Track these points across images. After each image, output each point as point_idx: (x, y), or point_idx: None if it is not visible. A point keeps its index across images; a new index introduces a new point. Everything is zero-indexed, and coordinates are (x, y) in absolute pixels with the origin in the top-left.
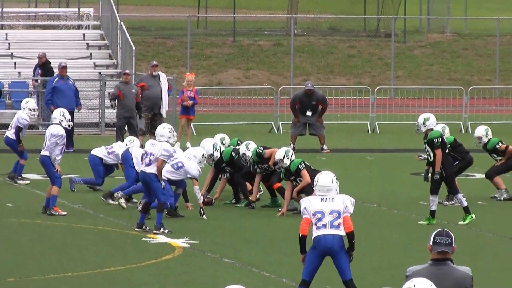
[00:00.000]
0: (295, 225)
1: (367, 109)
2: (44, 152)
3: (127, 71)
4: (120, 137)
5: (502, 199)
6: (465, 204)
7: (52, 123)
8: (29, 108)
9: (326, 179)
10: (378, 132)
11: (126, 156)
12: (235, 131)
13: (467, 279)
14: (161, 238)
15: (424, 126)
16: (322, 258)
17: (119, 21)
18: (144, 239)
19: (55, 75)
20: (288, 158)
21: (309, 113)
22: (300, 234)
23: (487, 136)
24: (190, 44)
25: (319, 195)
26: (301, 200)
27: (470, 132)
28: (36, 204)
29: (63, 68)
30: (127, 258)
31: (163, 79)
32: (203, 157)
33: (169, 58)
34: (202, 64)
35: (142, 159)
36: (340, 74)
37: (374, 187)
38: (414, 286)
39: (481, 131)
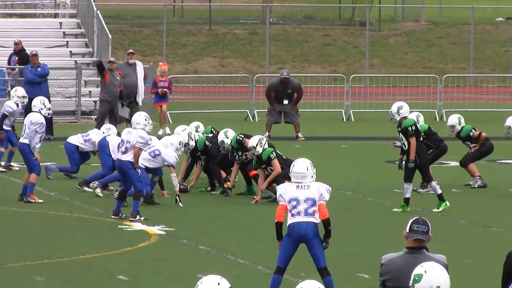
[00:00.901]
0: (269, 212)
1: (342, 97)
2: (23, 140)
3: (112, 59)
4: (100, 124)
5: (476, 186)
6: (439, 191)
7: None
8: (18, 96)
9: (301, 166)
10: (353, 120)
11: (103, 144)
12: (210, 119)
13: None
14: (137, 226)
15: (398, 114)
16: (297, 245)
17: (95, 9)
18: (120, 226)
19: (28, 64)
20: (260, 146)
21: (285, 102)
22: (276, 221)
23: (460, 124)
24: (166, 32)
25: (294, 182)
26: (277, 187)
27: (445, 120)
28: (12, 191)
29: (34, 56)
30: (103, 246)
31: (139, 67)
32: (180, 144)
33: (145, 46)
34: (178, 53)
35: (118, 147)
36: (315, 62)
37: (349, 175)
38: (425, 271)
39: (454, 119)
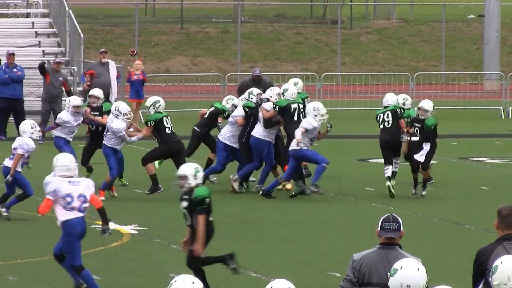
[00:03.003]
0: (241, 211)
1: (314, 95)
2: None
3: (58, 59)
4: (43, 123)
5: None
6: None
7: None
8: None
9: (65, 158)
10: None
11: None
12: (182, 118)
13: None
14: (110, 225)
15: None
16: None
17: (67, 9)
18: (92, 226)
19: (2, 63)
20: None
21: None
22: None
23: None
24: (138, 31)
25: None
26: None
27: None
28: None
29: (11, 56)
30: None
31: (112, 66)
32: (116, 110)
33: (118, 45)
34: (150, 52)
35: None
36: (287, 60)
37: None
38: (401, 268)
39: (431, 106)
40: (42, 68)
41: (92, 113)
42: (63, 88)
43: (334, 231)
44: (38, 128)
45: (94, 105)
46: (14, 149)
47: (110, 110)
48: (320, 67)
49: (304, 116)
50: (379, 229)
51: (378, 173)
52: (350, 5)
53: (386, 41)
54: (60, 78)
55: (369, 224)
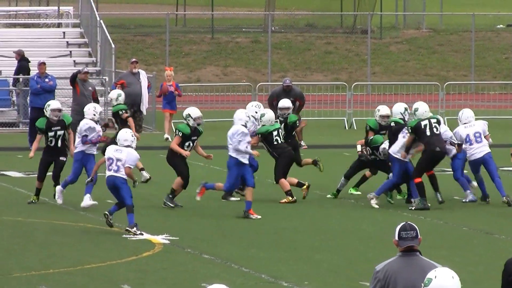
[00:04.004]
0: (272, 220)
1: (344, 105)
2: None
3: (86, 69)
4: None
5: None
6: None
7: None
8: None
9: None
10: (355, 128)
11: None
12: (213, 128)
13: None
14: (141, 235)
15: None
16: None
17: (98, 19)
18: (124, 235)
19: (35, 73)
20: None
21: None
22: None
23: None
24: (169, 41)
25: None
26: None
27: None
28: (17, 201)
29: (42, 65)
30: (108, 255)
31: (143, 76)
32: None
33: (148, 55)
34: (180, 61)
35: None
36: (317, 70)
37: (351, 183)
38: (435, 277)
39: (401, 108)
40: (74, 79)
41: (53, 128)
42: (92, 97)
43: (364, 240)
44: (136, 136)
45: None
46: (119, 160)
47: (70, 122)
48: (350, 77)
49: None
50: (397, 238)
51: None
52: (380, 14)
53: (416, 50)
54: (90, 88)
55: None
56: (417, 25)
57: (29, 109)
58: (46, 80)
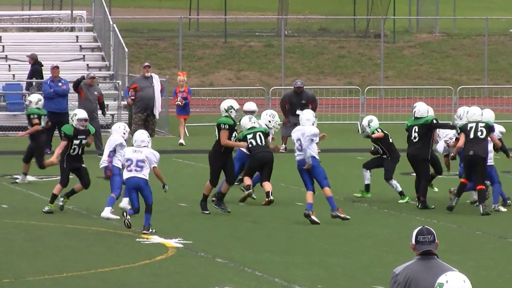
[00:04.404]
0: (286, 224)
1: (357, 109)
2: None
3: (92, 74)
4: None
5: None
6: (400, 189)
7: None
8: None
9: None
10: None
11: None
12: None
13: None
14: (155, 239)
15: (369, 127)
16: None
17: (111, 23)
18: (137, 239)
19: (48, 77)
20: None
21: (298, 112)
22: None
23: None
24: (182, 45)
25: None
26: None
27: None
28: (30, 205)
29: (55, 69)
30: (121, 259)
31: (156, 80)
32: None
33: (161, 59)
34: (194, 65)
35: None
36: (330, 74)
37: (356, 186)
38: (447, 281)
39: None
40: (77, 84)
41: (79, 136)
42: (98, 102)
43: (378, 244)
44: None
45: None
46: (139, 161)
47: (94, 131)
48: (363, 81)
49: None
50: (414, 242)
51: None
52: (393, 19)
53: (429, 54)
54: (95, 93)
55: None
56: (430, 29)
57: None
58: (59, 84)
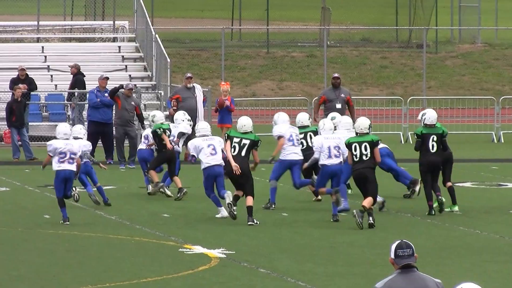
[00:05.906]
0: (329, 235)
1: (400, 119)
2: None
3: (130, 86)
4: (119, 148)
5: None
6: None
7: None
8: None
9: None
10: (411, 142)
11: None
12: (270, 142)
13: (438, 284)
14: (198, 249)
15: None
16: None
17: (153, 33)
18: (180, 249)
19: (95, 87)
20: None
21: (338, 105)
22: None
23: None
24: (224, 55)
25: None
26: None
27: (503, 141)
28: (73, 215)
29: (104, 80)
30: (164, 269)
31: (198, 90)
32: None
33: (204, 70)
34: (236, 76)
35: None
36: (373, 85)
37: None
38: None
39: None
40: (113, 93)
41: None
42: (135, 113)
43: (421, 255)
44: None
45: None
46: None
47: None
48: (405, 91)
49: None
50: (393, 257)
51: (464, 197)
52: (435, 29)
53: (471, 65)
54: (132, 103)
55: (455, 248)
56: (472, 40)
57: (87, 122)
58: (106, 94)
